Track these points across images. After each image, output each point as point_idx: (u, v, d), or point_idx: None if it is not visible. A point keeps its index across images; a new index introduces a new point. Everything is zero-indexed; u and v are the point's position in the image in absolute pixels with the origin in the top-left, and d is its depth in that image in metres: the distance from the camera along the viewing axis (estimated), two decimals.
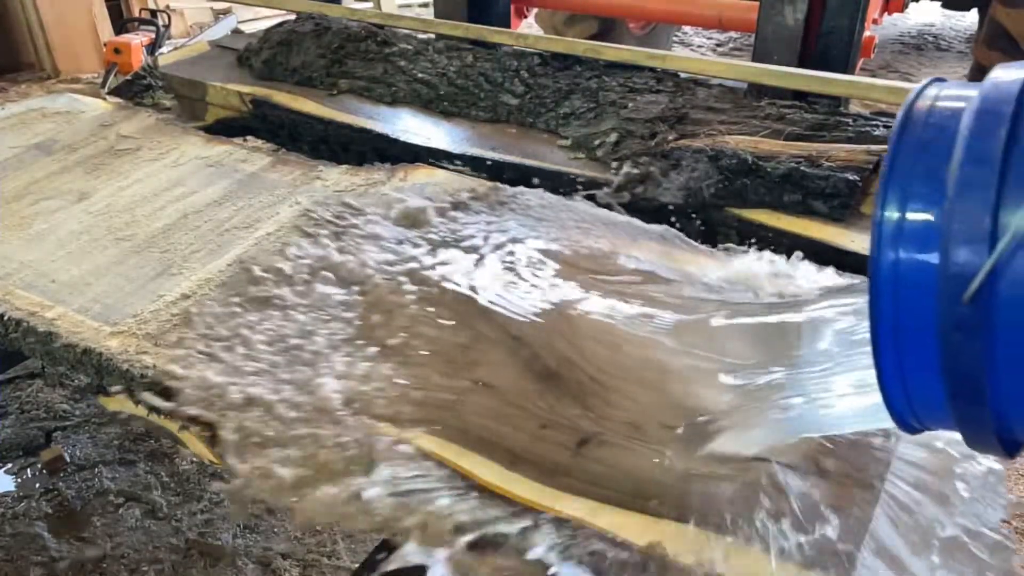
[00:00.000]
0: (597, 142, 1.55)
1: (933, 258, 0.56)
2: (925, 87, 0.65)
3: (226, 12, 5.82)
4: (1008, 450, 0.61)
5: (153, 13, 4.88)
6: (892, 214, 0.59)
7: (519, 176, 1.54)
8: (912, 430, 0.66)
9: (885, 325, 0.60)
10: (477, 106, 1.75)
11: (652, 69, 1.76)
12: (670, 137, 1.48)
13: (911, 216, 0.59)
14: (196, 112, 2.01)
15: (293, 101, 1.83)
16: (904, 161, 0.60)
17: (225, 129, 1.89)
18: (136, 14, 5.24)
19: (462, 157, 1.60)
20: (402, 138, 1.67)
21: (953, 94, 0.63)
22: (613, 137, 1.54)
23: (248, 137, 1.77)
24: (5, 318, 1.20)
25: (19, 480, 2.23)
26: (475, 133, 1.69)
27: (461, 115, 1.76)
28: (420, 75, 1.84)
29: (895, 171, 0.60)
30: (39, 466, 2.25)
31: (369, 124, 1.73)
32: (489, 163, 1.57)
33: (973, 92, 0.59)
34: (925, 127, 0.61)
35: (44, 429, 2.39)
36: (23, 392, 2.57)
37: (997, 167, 0.53)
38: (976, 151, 0.55)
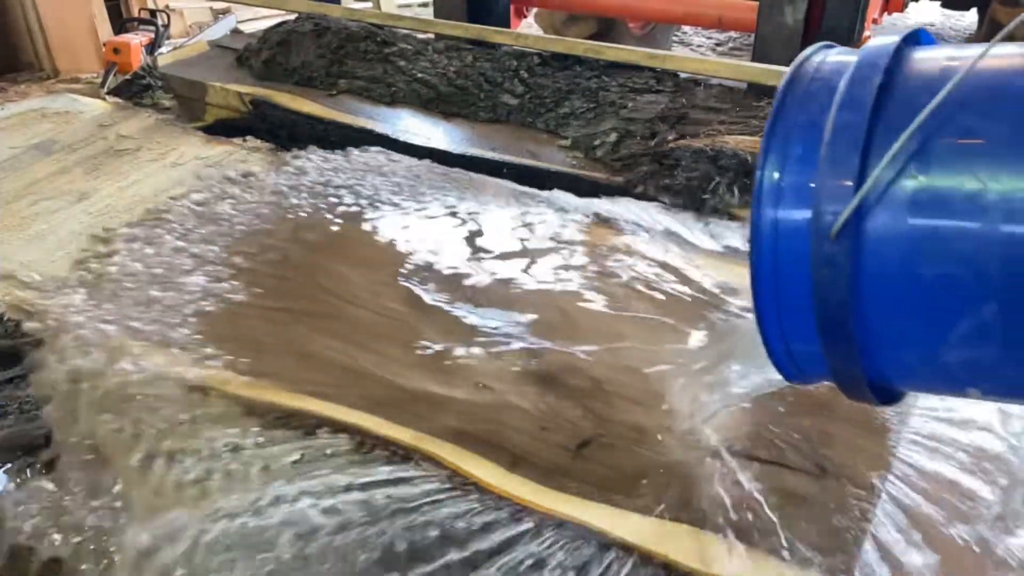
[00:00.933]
0: (597, 142, 1.55)
1: (808, 210, 0.58)
2: (814, 52, 0.67)
3: (225, 12, 5.81)
4: (880, 398, 0.64)
5: (152, 13, 4.87)
6: (772, 171, 0.61)
7: (518, 176, 1.54)
8: (794, 377, 0.68)
9: (764, 267, 0.62)
10: (477, 106, 1.75)
11: (652, 69, 1.76)
12: (670, 137, 1.48)
13: (791, 166, 0.61)
14: (196, 112, 2.01)
15: (293, 101, 1.83)
16: (788, 114, 0.63)
17: (225, 129, 1.89)
18: (136, 14, 5.24)
19: (462, 157, 1.60)
20: (402, 138, 1.67)
21: (839, 59, 0.65)
22: (613, 137, 1.54)
23: (248, 137, 1.77)
24: (5, 318, 1.20)
25: (19, 480, 2.22)
26: (475, 133, 1.69)
27: (461, 115, 1.76)
28: (420, 75, 1.84)
29: (778, 124, 0.63)
30: (39, 466, 2.25)
31: (369, 124, 1.73)
32: (488, 163, 1.57)
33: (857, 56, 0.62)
34: (811, 81, 0.64)
35: (44, 429, 2.38)
36: (23, 392, 2.56)
37: (868, 112, 0.56)
38: (850, 98, 0.58)
